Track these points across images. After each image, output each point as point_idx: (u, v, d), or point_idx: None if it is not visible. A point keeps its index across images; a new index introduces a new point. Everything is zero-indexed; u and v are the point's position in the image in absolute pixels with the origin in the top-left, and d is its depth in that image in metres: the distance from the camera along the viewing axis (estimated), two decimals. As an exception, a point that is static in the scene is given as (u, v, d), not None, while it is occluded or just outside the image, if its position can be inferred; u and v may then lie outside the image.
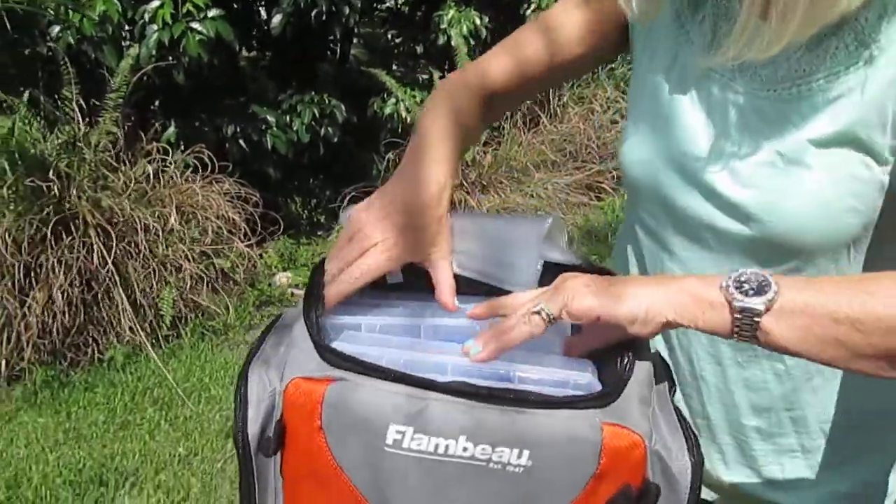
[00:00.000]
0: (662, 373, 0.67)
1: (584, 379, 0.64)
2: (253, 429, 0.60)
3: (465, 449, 0.54)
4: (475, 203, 4.17)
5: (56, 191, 3.00)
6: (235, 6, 4.12)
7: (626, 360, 0.63)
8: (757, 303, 0.58)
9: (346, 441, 0.56)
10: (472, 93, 0.87)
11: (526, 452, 0.54)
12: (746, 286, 0.58)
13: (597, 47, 0.90)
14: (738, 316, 0.58)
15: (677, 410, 0.62)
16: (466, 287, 0.72)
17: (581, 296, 0.60)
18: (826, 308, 0.58)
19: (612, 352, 0.67)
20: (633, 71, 0.92)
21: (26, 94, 3.40)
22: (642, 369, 0.63)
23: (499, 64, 0.90)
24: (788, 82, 0.76)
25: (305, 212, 4.67)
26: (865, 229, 0.76)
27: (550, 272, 0.68)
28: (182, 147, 3.66)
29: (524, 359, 0.68)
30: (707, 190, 0.79)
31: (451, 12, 4.33)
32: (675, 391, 0.65)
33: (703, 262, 0.82)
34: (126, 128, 3.44)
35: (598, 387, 0.64)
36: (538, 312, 0.61)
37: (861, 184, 0.73)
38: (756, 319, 0.58)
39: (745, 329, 0.59)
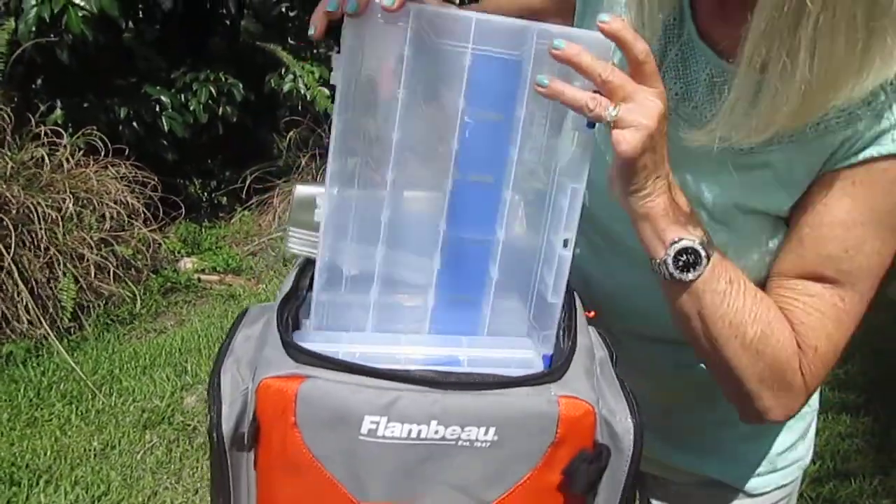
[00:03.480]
0: (602, 345, 0.73)
1: (528, 355, 0.71)
2: (227, 426, 0.62)
3: (436, 432, 0.58)
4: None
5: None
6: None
7: (568, 336, 0.70)
8: (677, 274, 0.70)
9: (322, 434, 0.59)
10: None
11: (492, 429, 0.59)
12: (682, 259, 0.69)
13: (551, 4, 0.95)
14: (659, 262, 0.70)
15: (619, 378, 0.68)
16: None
17: (638, 135, 0.63)
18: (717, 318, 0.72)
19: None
20: None
21: None
22: (583, 343, 0.69)
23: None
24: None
25: (206, 194, 4.56)
26: None
27: None
28: (71, 129, 3.51)
29: (470, 343, 0.73)
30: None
31: (347, -16, 4.28)
32: (615, 360, 0.72)
33: (634, 279, 0.86)
34: (10, 109, 3.27)
35: (539, 362, 0.70)
36: (605, 108, 0.63)
37: (778, 242, 0.79)
38: (667, 277, 0.71)
39: (657, 270, 0.71)
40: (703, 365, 0.90)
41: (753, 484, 0.97)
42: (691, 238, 0.69)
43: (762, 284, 0.79)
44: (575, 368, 0.64)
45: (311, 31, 0.66)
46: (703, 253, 0.69)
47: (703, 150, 0.76)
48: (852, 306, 0.75)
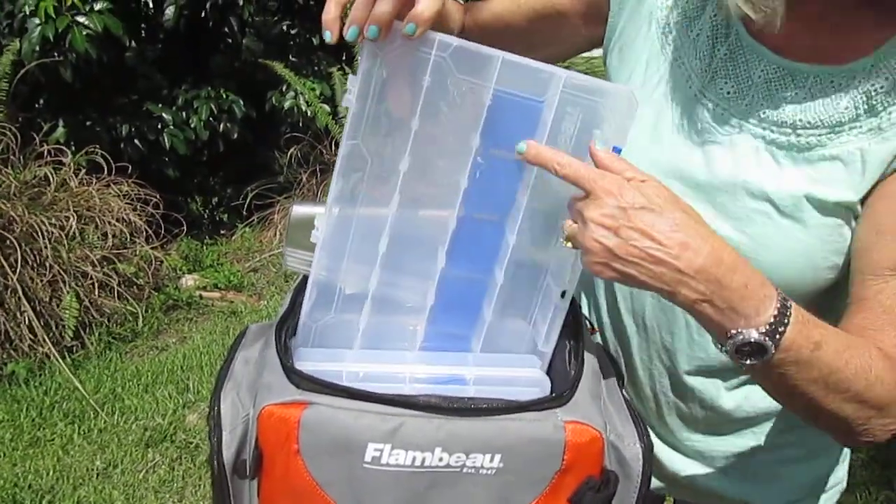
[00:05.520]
0: (609, 365, 0.72)
1: (535, 374, 0.70)
2: (228, 453, 0.62)
3: (441, 459, 0.58)
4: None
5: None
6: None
7: (574, 358, 0.69)
8: (744, 361, 0.63)
9: (325, 462, 0.58)
10: (455, 3, 0.88)
11: (497, 456, 0.58)
12: (744, 350, 0.63)
13: (574, 11, 0.91)
14: (720, 348, 0.65)
15: (627, 400, 0.67)
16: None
17: (589, 259, 0.62)
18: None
19: (560, 348, 0.73)
20: (609, 65, 0.89)
21: None
22: (589, 365, 0.68)
23: (482, 3, 0.94)
24: (788, 128, 0.76)
25: (207, 211, 4.56)
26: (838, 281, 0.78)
27: None
28: (73, 148, 3.51)
29: (475, 360, 0.72)
30: None
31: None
32: (623, 382, 0.71)
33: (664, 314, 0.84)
34: (15, 128, 3.28)
35: (546, 381, 0.70)
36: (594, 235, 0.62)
37: (846, 243, 0.76)
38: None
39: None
40: (732, 401, 0.88)
41: None
42: (749, 329, 0.62)
43: (831, 285, 0.77)
44: (582, 392, 0.63)
45: (326, 37, 0.64)
46: (768, 342, 0.62)
47: (776, 147, 0.75)
48: None
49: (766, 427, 0.91)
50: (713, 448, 0.92)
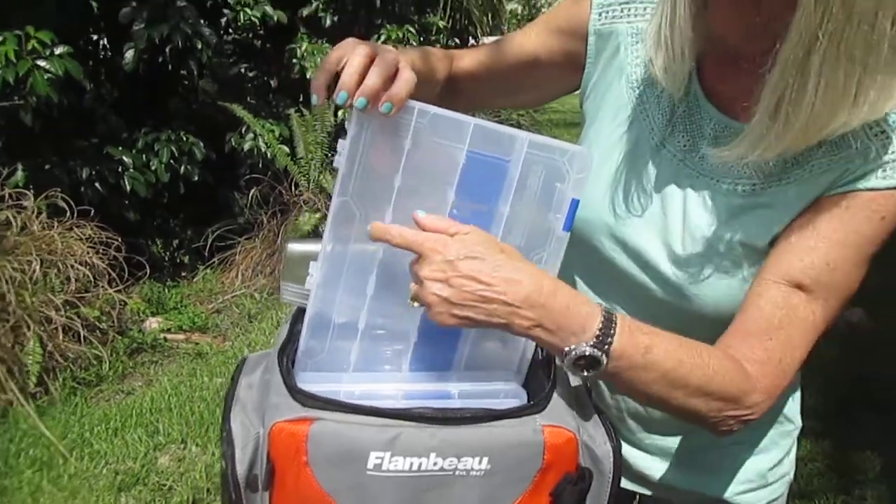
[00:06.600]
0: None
1: (512, 387, 0.79)
2: (241, 468, 0.68)
3: (435, 464, 0.65)
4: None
5: None
6: (81, 42, 4.00)
7: (549, 371, 0.77)
8: (583, 374, 0.72)
9: (332, 471, 0.65)
10: (439, 52, 0.98)
11: (485, 459, 0.66)
12: (580, 363, 0.71)
13: (552, 61, 1.00)
14: (568, 364, 0.73)
15: (596, 406, 0.76)
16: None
17: (448, 314, 0.71)
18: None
19: (536, 364, 0.81)
20: (585, 110, 0.99)
21: None
22: (562, 376, 0.77)
23: (467, 52, 1.04)
24: (730, 177, 0.85)
25: (168, 253, 4.57)
26: None
27: None
28: (33, 191, 3.51)
29: (458, 377, 0.80)
30: (643, 261, 0.89)
31: (305, 45, 4.40)
32: (591, 392, 0.79)
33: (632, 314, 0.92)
34: (-28, 172, 3.28)
35: (523, 393, 0.78)
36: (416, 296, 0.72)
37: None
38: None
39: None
40: None
41: (748, 499, 1.03)
42: (580, 345, 0.71)
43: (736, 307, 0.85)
44: (556, 399, 0.71)
45: (314, 100, 0.73)
46: (598, 354, 0.71)
47: (720, 195, 0.85)
48: (821, 321, 0.81)
49: None
50: (668, 446, 1.02)
